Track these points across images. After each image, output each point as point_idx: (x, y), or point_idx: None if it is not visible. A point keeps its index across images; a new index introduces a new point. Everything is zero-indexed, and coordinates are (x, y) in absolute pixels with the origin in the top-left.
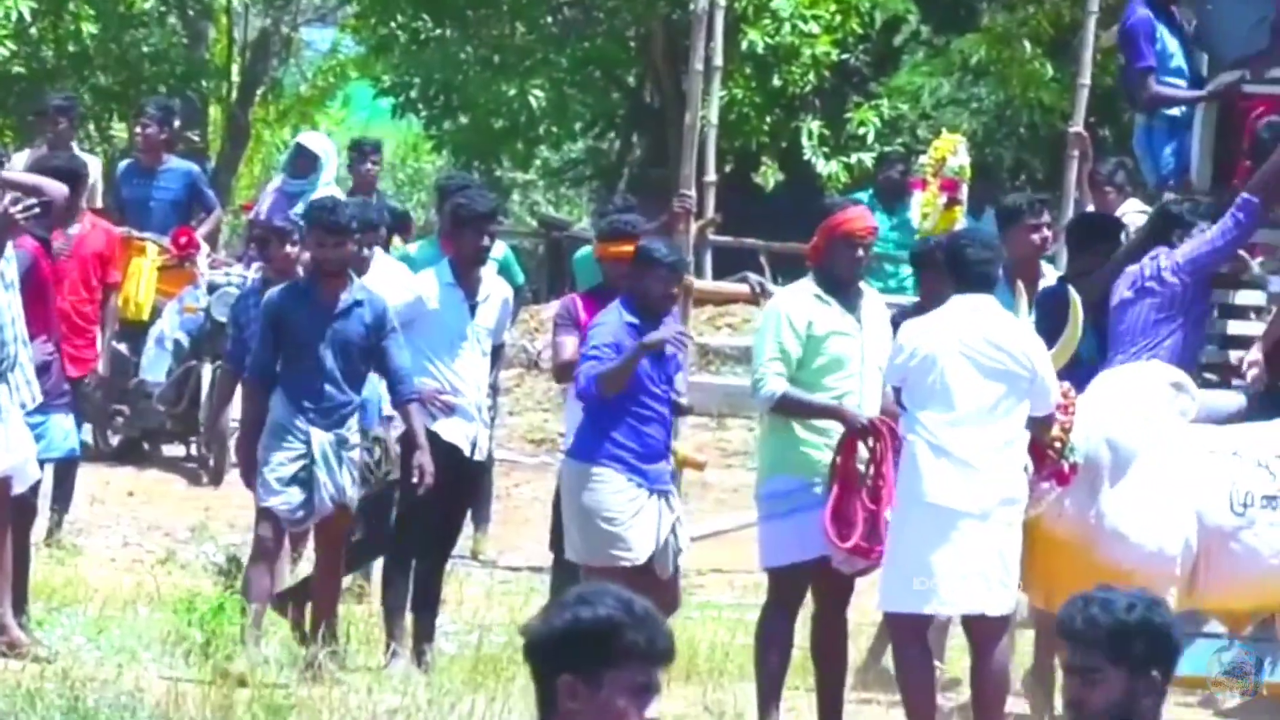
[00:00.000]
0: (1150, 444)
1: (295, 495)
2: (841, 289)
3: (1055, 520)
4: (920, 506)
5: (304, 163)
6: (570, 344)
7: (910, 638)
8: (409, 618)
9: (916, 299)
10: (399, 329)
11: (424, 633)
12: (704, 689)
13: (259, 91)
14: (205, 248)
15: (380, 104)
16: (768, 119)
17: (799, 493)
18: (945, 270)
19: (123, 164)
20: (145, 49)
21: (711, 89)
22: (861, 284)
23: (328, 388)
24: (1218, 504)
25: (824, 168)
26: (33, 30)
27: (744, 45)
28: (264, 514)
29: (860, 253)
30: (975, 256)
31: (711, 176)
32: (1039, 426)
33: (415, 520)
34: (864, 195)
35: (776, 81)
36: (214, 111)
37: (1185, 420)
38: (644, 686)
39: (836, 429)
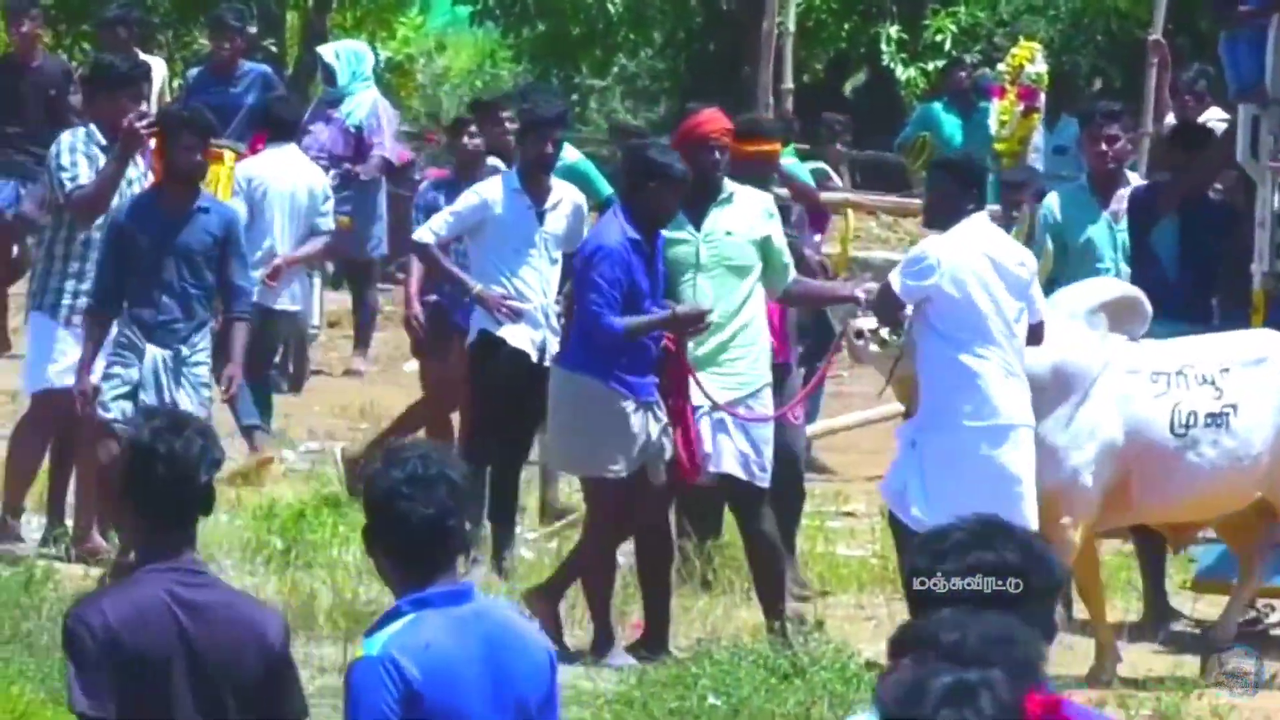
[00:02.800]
0: (1093, 368)
1: (128, 408)
2: (696, 194)
3: None
4: (995, 428)
5: (325, 72)
6: None
7: None
8: (487, 525)
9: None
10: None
11: (503, 540)
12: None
13: None
14: None
15: (458, 10)
16: (845, 26)
17: None
18: (966, 190)
19: (194, 71)
20: None
21: None
22: (731, 185)
23: (166, 300)
24: (1157, 426)
25: (902, 74)
26: None
27: None
28: (102, 431)
29: (715, 155)
30: (983, 174)
31: (789, 84)
32: (1033, 334)
33: (487, 428)
34: (938, 102)
35: None
36: (291, 18)
37: (1132, 338)
38: None
39: None
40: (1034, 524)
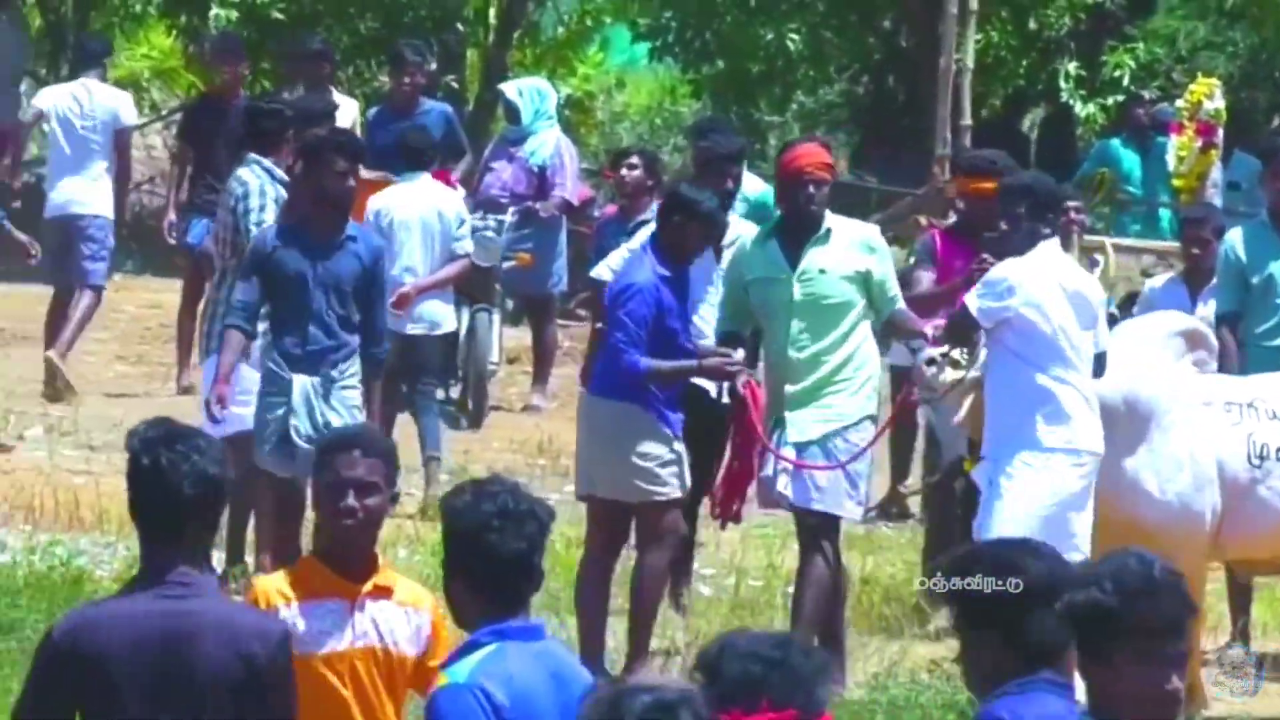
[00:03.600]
0: (1167, 398)
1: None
2: (795, 228)
3: None
4: (1072, 451)
5: (509, 111)
6: (926, 279)
7: None
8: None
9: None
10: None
11: (680, 576)
12: None
13: (516, 35)
14: (461, 191)
15: (637, 48)
16: (1024, 62)
17: None
18: (1035, 211)
19: (374, 109)
20: None
21: (967, 32)
22: (831, 220)
23: (313, 330)
24: (1235, 457)
25: (1081, 110)
26: None
27: None
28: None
29: (810, 189)
30: (1059, 201)
31: (967, 120)
32: (1099, 364)
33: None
34: (1117, 138)
35: (1032, 24)
36: (471, 55)
37: (1202, 371)
38: None
39: None
40: (1086, 552)
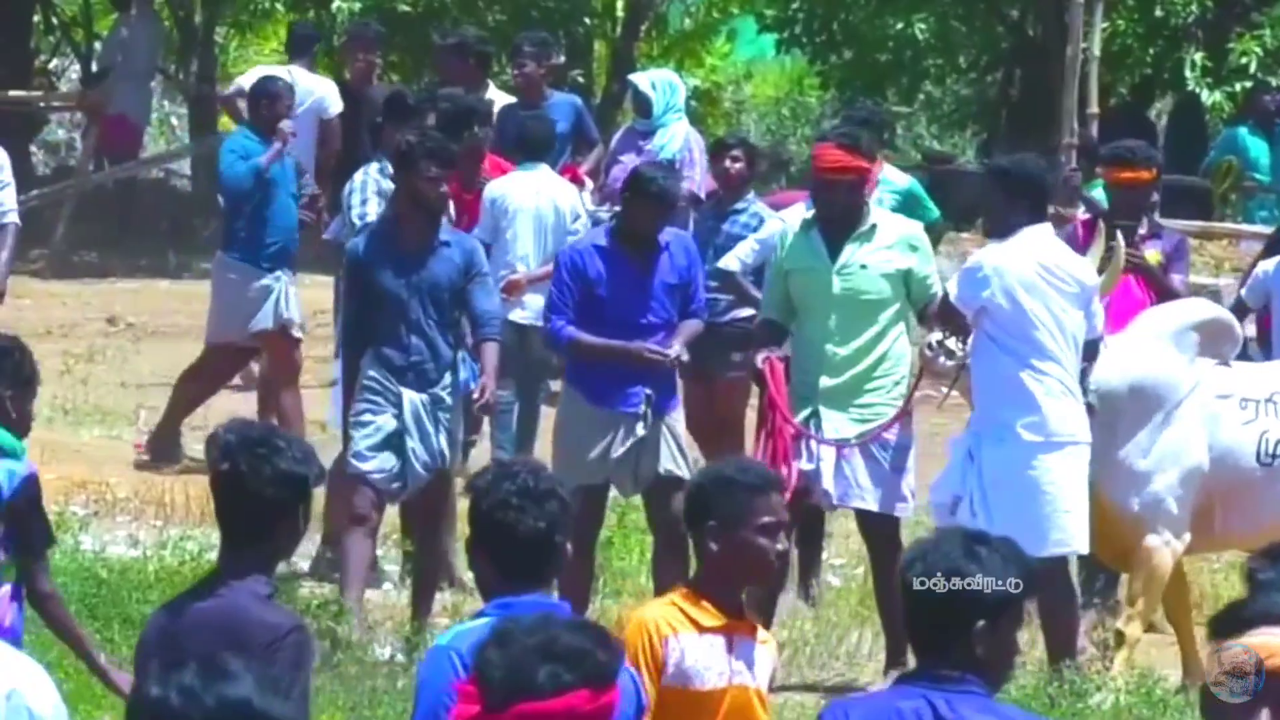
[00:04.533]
0: (1175, 389)
1: (389, 461)
2: (826, 223)
3: None
4: (1050, 443)
5: (640, 103)
6: None
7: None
8: (794, 553)
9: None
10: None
11: (810, 567)
12: None
13: (643, 27)
14: (589, 183)
15: (764, 39)
16: (1150, 50)
17: None
18: (1016, 199)
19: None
20: None
21: (1094, 21)
22: (878, 215)
23: (414, 340)
24: (1243, 453)
25: (1207, 98)
26: None
27: None
28: (357, 482)
29: (821, 192)
30: (1044, 185)
31: (1094, 109)
32: (1091, 350)
33: None
34: (1244, 126)
35: (1159, 12)
36: (599, 47)
37: (1222, 362)
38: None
39: None
40: (1083, 542)
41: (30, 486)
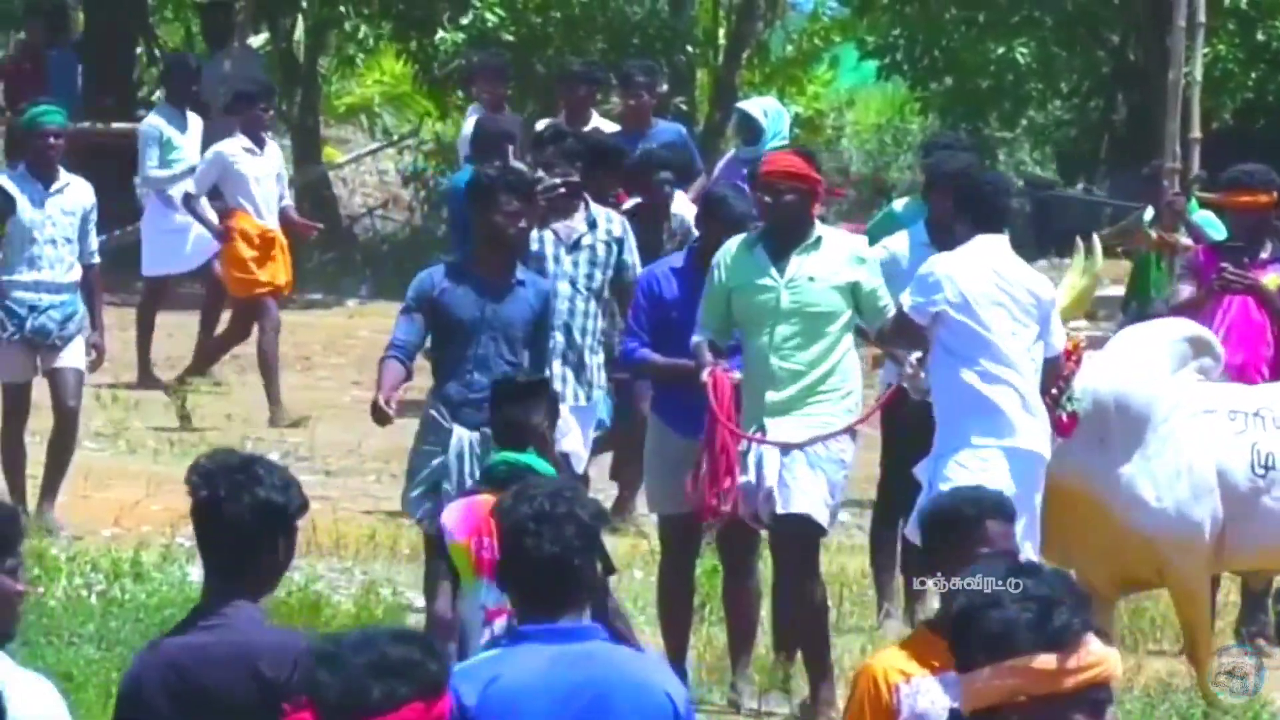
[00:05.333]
0: (1164, 404)
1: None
2: (772, 235)
3: (1060, 473)
4: (1008, 449)
5: (747, 129)
6: (1186, 291)
7: None
8: (899, 578)
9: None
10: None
11: (916, 592)
12: None
13: (745, 55)
14: (694, 210)
15: (866, 66)
16: (1252, 74)
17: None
18: (963, 209)
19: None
20: (631, 14)
21: (1195, 46)
22: (821, 229)
23: (478, 376)
24: (1237, 466)
25: None
26: None
27: (1226, 1)
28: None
29: (768, 199)
30: (996, 196)
31: (1196, 133)
32: (1050, 368)
33: (898, 480)
34: None
35: (1260, 36)
36: (701, 75)
37: (1205, 379)
38: None
39: None
40: (1034, 555)
41: None
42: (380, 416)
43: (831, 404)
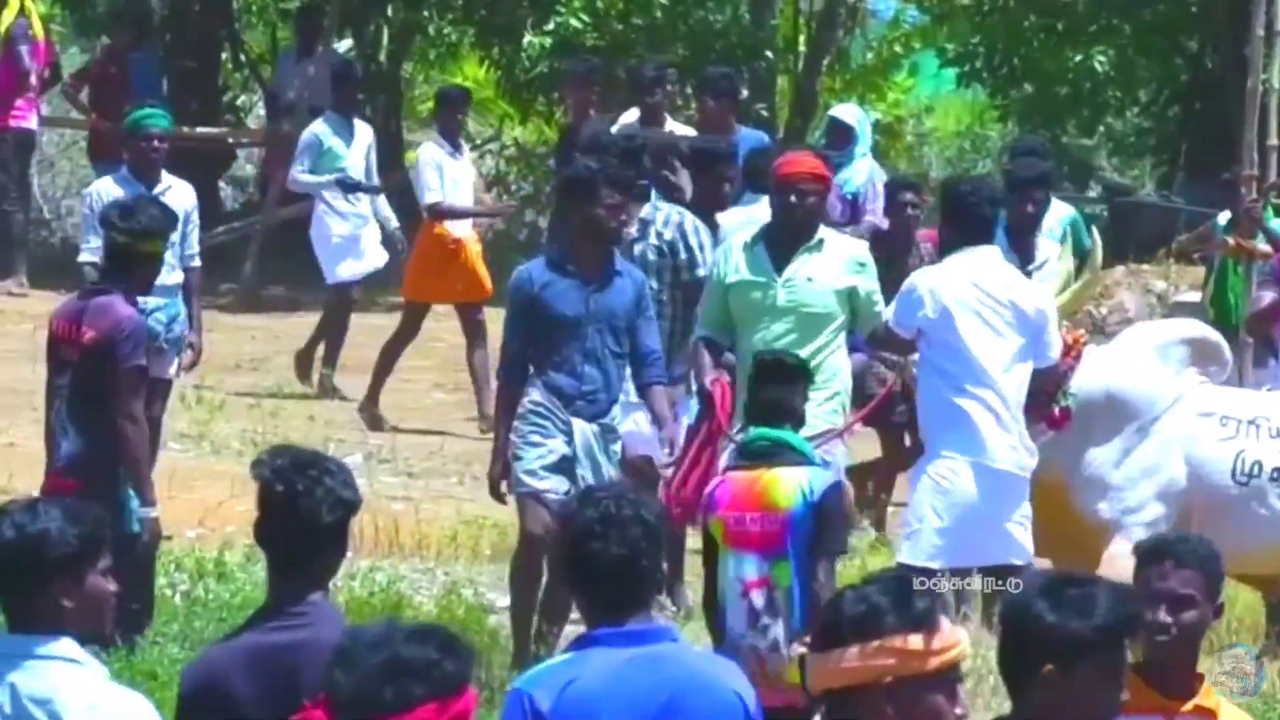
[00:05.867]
0: (1159, 403)
1: (562, 484)
2: (781, 237)
3: (1040, 466)
4: (979, 465)
5: (839, 135)
6: (1267, 298)
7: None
8: (979, 579)
9: None
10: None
11: (995, 597)
12: None
13: (825, 61)
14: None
15: (945, 73)
16: None
17: None
18: (948, 221)
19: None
20: (713, 21)
21: (1273, 54)
22: (825, 231)
23: (589, 369)
24: (1217, 470)
25: None
26: (599, 3)
27: None
28: (529, 501)
29: (792, 199)
30: (984, 212)
31: (1274, 140)
32: (1043, 378)
33: None
34: None
35: None
36: (781, 82)
37: (1209, 381)
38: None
39: None
40: (1027, 555)
41: (837, 492)
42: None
43: (817, 405)
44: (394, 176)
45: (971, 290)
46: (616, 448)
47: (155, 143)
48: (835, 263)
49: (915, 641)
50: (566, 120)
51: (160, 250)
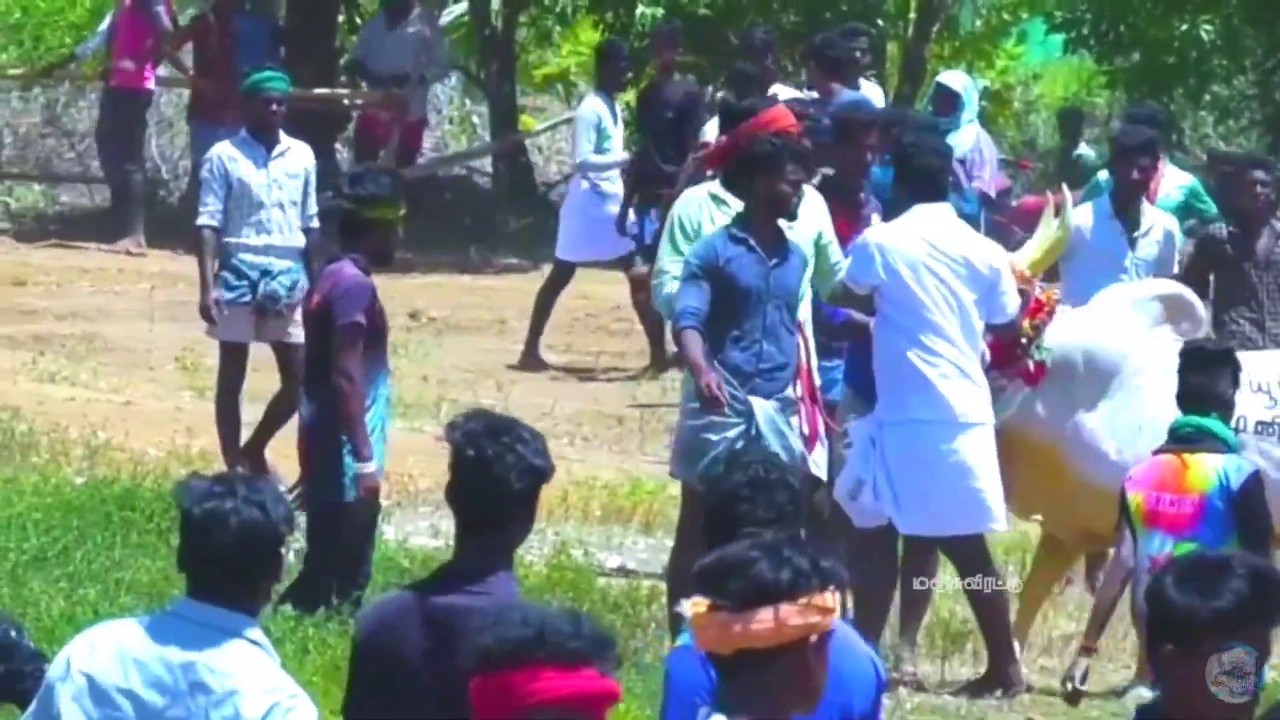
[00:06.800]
0: (1134, 359)
1: None
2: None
3: (1027, 425)
4: (949, 423)
5: (945, 102)
6: None
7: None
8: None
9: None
10: None
11: (1099, 560)
12: None
13: (934, 28)
14: None
15: (1053, 40)
16: None
17: None
18: (901, 180)
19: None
20: None
21: None
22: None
23: (768, 346)
24: None
25: None
26: None
27: None
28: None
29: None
30: (926, 164)
31: None
32: (1003, 333)
33: None
34: None
35: None
36: (891, 49)
37: (1183, 340)
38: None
39: None
40: (1000, 519)
41: (1255, 479)
42: (714, 402)
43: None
44: (508, 141)
45: (923, 247)
46: (794, 420)
47: (274, 105)
48: (811, 215)
49: (832, 598)
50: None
51: (389, 218)
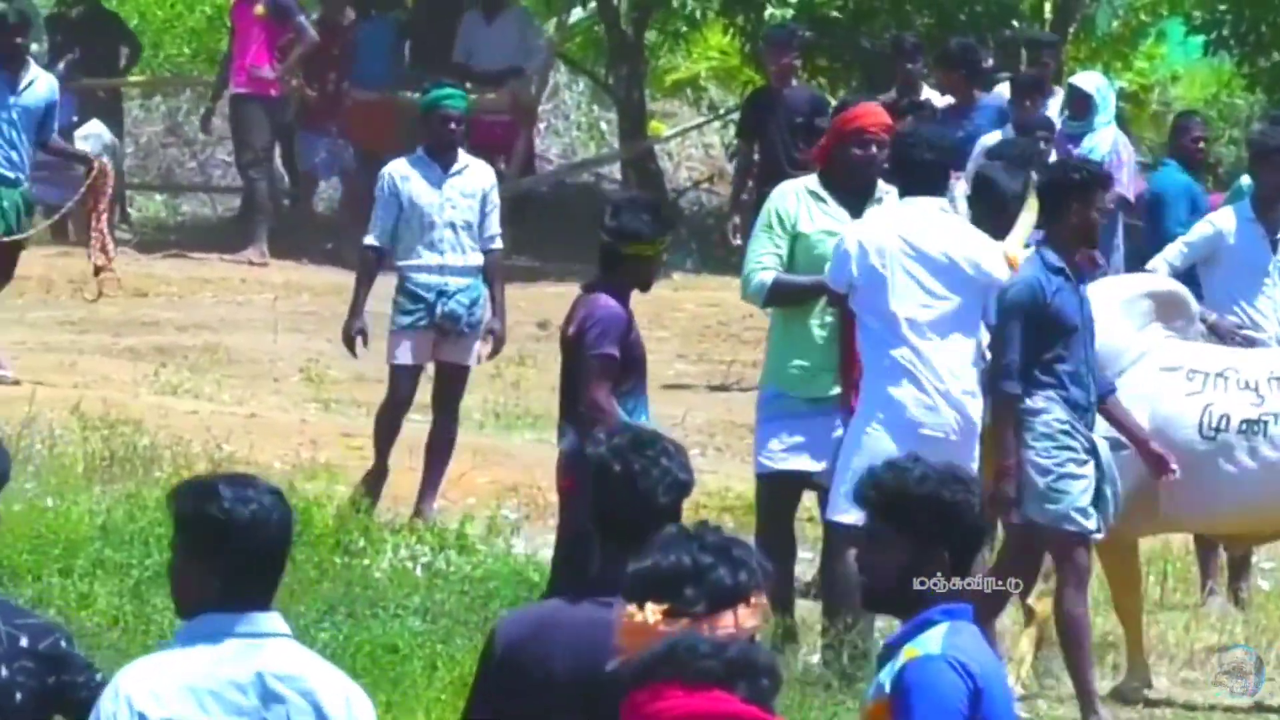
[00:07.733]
0: (1123, 357)
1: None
2: (849, 190)
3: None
4: (904, 431)
5: (1078, 104)
6: None
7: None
8: (1222, 554)
9: None
10: None
11: (1240, 570)
12: None
13: (1071, 30)
14: None
15: (1193, 41)
16: None
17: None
18: (892, 175)
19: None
20: None
21: None
22: (884, 187)
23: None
24: (1183, 425)
25: None
26: None
27: None
28: (1078, 543)
29: (873, 150)
30: (922, 158)
31: None
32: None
33: None
34: None
35: None
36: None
37: (1176, 336)
38: None
39: None
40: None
41: None
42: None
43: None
44: (637, 146)
45: (897, 244)
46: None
47: (453, 124)
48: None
49: (763, 598)
50: (769, 84)
51: (649, 254)
